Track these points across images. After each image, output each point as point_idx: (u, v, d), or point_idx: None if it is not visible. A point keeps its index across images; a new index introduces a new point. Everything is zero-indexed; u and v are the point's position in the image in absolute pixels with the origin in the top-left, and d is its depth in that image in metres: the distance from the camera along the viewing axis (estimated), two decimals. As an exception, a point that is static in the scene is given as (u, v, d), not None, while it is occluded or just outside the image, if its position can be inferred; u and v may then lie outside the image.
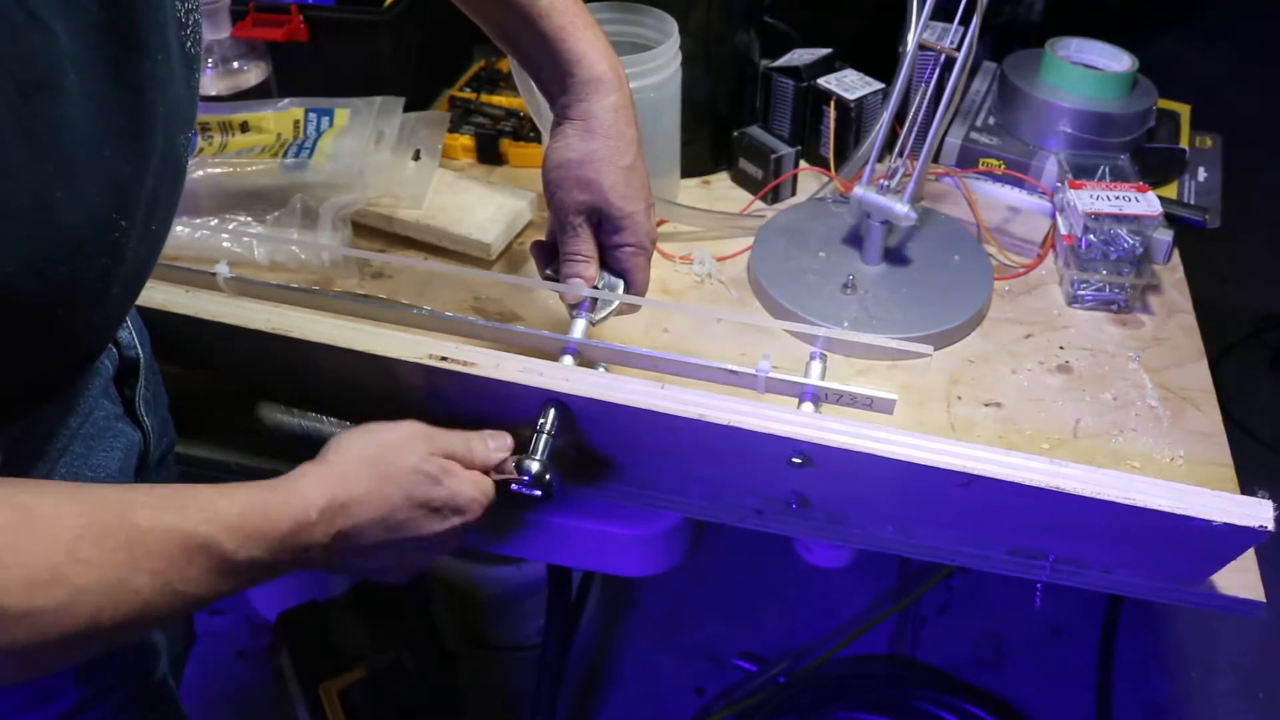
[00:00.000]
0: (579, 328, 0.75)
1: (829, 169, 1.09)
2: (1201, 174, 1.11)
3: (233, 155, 1.00)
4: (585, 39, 0.72)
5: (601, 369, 0.76)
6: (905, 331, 0.90)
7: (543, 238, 0.80)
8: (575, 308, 0.76)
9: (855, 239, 0.99)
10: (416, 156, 1.04)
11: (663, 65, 0.96)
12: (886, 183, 0.92)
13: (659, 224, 0.86)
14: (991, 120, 1.14)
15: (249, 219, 0.99)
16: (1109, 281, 0.95)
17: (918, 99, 0.91)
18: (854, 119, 1.09)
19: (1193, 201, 1.07)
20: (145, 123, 0.47)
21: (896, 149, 0.93)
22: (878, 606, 1.66)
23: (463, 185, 1.06)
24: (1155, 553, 0.70)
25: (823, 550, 1.76)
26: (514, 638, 1.60)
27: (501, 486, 0.68)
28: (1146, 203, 0.95)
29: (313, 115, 1.05)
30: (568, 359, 0.73)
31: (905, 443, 0.65)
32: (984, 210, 1.06)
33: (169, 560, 0.48)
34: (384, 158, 1.02)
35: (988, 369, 0.89)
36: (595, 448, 0.75)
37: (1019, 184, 1.08)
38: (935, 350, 0.84)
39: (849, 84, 1.10)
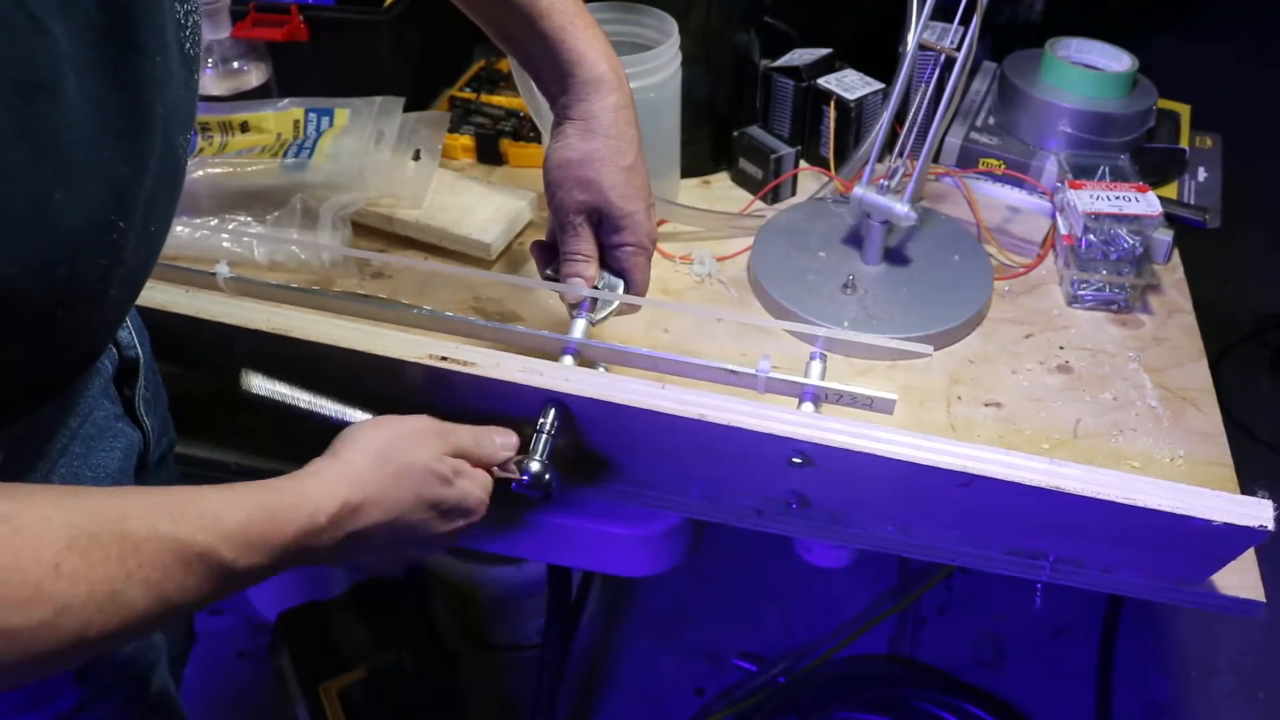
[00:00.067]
0: (579, 328, 0.75)
1: (829, 169, 1.09)
2: (1201, 174, 1.11)
3: (233, 155, 1.00)
4: (585, 39, 0.72)
5: (601, 369, 0.76)
6: (905, 331, 0.90)
7: (543, 238, 0.80)
8: (575, 308, 0.76)
9: (855, 239, 0.99)
10: (416, 156, 1.04)
11: (663, 65, 0.96)
12: (886, 183, 0.92)
13: (659, 224, 0.86)
14: (991, 120, 1.14)
15: (249, 219, 0.99)
16: (1109, 281, 0.95)
17: (918, 99, 0.91)
18: (854, 119, 1.09)
19: (1193, 201, 1.07)
20: (144, 124, 0.47)
21: (896, 149, 0.93)
22: (878, 606, 1.66)
23: (463, 185, 1.06)
24: (1155, 553, 0.70)
25: (823, 550, 1.76)
26: (514, 638, 1.60)
27: (501, 484, 0.68)
28: (1146, 203, 0.95)
29: (313, 115, 1.05)
30: (568, 359, 0.73)
31: (905, 443, 0.65)
32: (984, 210, 1.06)
33: (164, 570, 0.46)
34: (384, 158, 1.02)
35: (988, 369, 0.89)
36: (595, 448, 0.75)
37: (1019, 184, 1.08)
38: (935, 350, 0.84)
39: (849, 84, 1.10)
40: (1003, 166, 1.09)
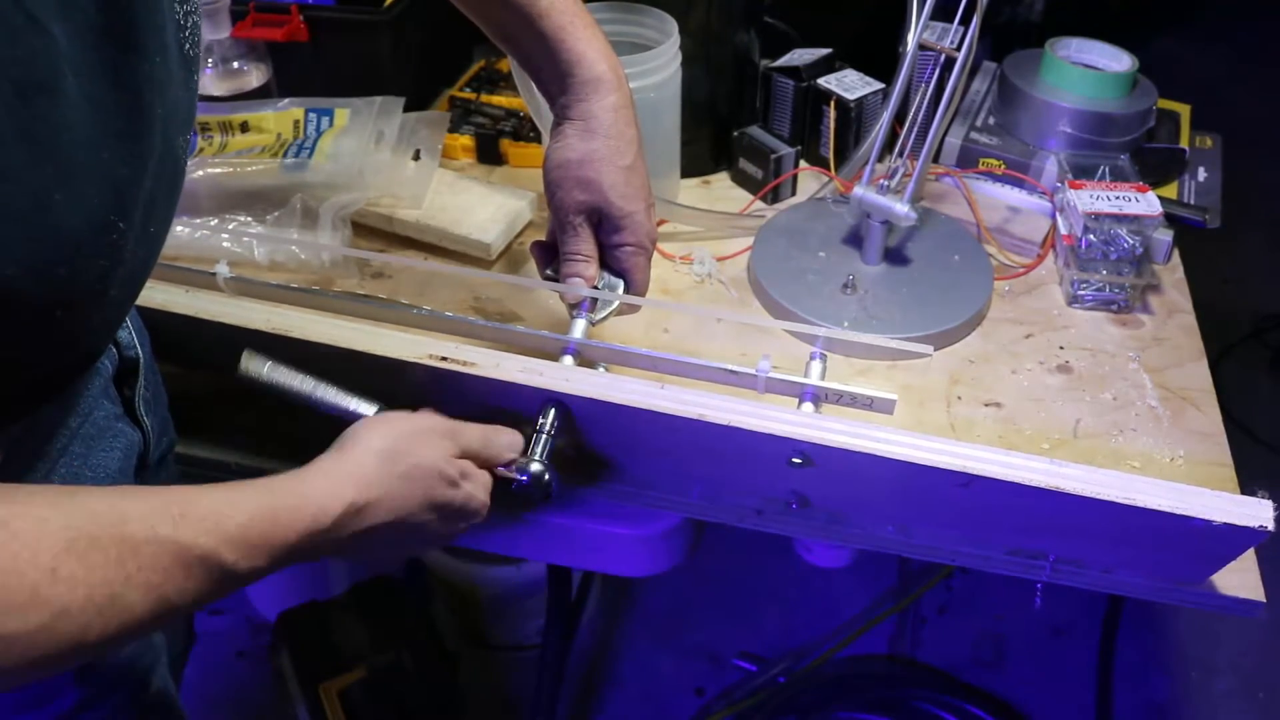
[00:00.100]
0: (579, 328, 0.75)
1: (829, 169, 1.09)
2: (1201, 174, 1.11)
3: (233, 155, 1.00)
4: (585, 39, 0.72)
5: (601, 369, 0.76)
6: (905, 331, 0.90)
7: (543, 238, 0.80)
8: (575, 308, 0.76)
9: (855, 239, 0.99)
10: (416, 156, 1.04)
11: (663, 65, 0.96)
12: (886, 183, 0.92)
13: (659, 224, 0.86)
14: (991, 120, 1.14)
15: (249, 219, 0.99)
16: (1109, 281, 0.95)
17: (918, 99, 0.90)
18: (854, 119, 1.09)
19: (1193, 201, 1.07)
20: (143, 125, 0.47)
21: (896, 149, 0.93)
22: (878, 606, 1.66)
23: (463, 185, 1.06)
24: (1155, 553, 0.70)
25: (823, 550, 1.76)
26: (514, 638, 1.60)
27: (501, 484, 0.68)
28: (1146, 203, 0.95)
29: (313, 115, 1.05)
30: (568, 359, 0.73)
31: (905, 443, 0.65)
32: (984, 210, 1.06)
33: (164, 574, 0.46)
34: (384, 158, 1.02)
35: (988, 369, 0.89)
36: (595, 448, 0.75)
37: (1019, 184, 1.08)
38: (935, 350, 0.84)
39: (849, 84, 1.10)
40: (1003, 166, 1.09)
